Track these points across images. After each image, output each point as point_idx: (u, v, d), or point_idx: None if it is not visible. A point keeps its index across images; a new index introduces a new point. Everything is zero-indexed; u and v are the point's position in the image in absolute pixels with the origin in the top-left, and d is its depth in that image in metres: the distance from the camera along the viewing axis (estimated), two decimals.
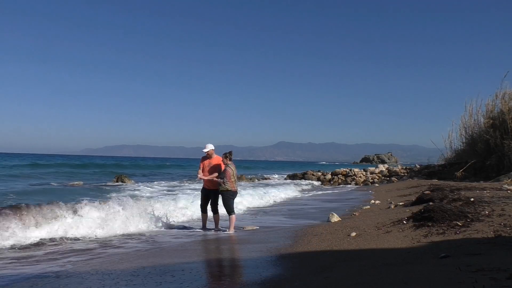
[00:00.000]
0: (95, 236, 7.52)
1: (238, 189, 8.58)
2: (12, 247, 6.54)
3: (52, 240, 7.13)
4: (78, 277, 4.74)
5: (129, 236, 7.73)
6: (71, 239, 7.30)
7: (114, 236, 7.67)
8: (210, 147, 8.43)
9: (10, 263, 5.64)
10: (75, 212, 8.16)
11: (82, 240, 7.31)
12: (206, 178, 8.40)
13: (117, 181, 23.61)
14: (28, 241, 6.83)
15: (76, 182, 22.29)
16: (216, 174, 8.20)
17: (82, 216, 8.02)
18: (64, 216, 7.82)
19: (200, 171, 8.47)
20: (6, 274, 4.99)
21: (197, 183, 16.06)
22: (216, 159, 8.39)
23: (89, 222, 7.78)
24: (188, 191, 16.26)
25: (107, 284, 4.36)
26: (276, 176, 35.98)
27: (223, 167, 8.20)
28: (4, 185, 18.37)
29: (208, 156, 8.45)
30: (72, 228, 7.53)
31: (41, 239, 7.03)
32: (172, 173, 37.00)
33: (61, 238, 7.24)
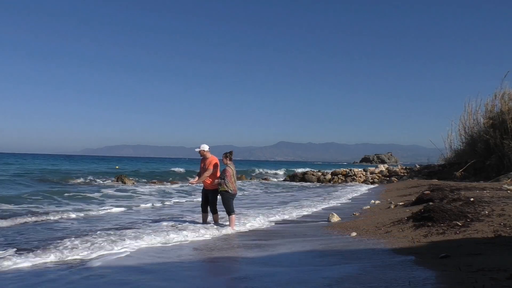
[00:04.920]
0: None
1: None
2: None
3: None
4: None
5: None
6: None
7: None
8: (202, 147, 8.38)
9: None
10: None
11: None
12: (195, 182, 8.44)
13: (117, 181, 23.57)
14: None
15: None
16: (206, 174, 8.15)
17: None
18: None
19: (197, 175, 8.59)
20: None
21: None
22: (210, 159, 8.36)
23: None
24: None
25: None
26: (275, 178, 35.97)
27: (211, 164, 8.18)
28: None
29: (202, 156, 8.44)
30: None
31: None
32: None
33: None
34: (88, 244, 6.04)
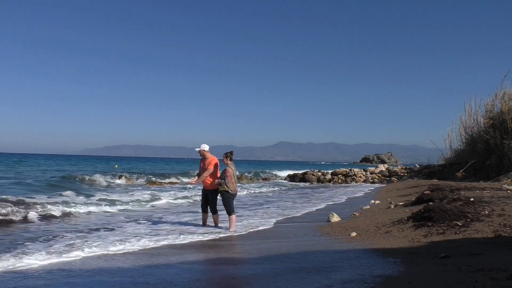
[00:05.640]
0: None
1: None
2: None
3: None
4: None
5: None
6: None
7: None
8: (202, 147, 8.38)
9: None
10: None
11: None
12: (194, 182, 8.46)
13: (117, 180, 23.59)
14: None
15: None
16: (205, 174, 8.14)
17: None
18: None
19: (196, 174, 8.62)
20: None
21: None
22: (210, 159, 8.35)
23: None
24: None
25: None
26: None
27: (211, 164, 8.19)
28: None
29: (201, 156, 8.45)
30: None
31: None
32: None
33: None
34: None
